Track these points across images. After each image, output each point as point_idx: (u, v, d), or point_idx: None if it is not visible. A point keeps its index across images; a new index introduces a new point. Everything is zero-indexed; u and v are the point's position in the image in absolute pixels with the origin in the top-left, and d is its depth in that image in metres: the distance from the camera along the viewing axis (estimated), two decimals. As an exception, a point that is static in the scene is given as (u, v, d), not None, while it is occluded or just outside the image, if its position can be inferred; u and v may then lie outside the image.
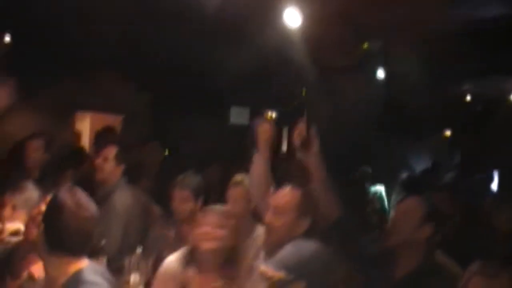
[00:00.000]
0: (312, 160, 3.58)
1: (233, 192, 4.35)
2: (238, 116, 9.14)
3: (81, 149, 6.71)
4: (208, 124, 8.26)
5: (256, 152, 3.90)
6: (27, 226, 2.98)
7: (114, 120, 8.30)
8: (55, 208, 2.55)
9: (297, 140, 3.61)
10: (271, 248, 3.35)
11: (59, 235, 2.53)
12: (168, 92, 8.30)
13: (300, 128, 3.62)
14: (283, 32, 5.34)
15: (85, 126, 8.50)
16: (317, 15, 5.12)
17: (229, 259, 3.47)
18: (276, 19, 5.23)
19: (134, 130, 7.80)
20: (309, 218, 3.48)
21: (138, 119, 8.41)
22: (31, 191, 3.66)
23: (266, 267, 2.54)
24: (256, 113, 9.34)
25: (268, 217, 3.52)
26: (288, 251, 2.59)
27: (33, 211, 2.95)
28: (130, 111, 8.46)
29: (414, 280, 3.28)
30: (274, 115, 8.70)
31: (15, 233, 3.22)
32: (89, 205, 2.62)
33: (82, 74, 7.79)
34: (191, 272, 3.46)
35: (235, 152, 6.67)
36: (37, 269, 2.97)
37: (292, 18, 5.16)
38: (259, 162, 3.86)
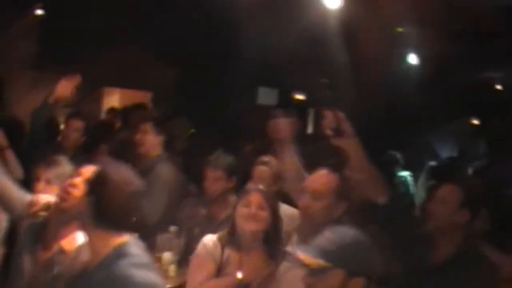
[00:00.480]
0: (349, 144, 3.53)
1: (259, 171, 4.34)
2: (265, 96, 9.10)
3: (112, 124, 6.70)
4: (235, 103, 8.24)
5: (278, 148, 3.92)
6: (60, 197, 2.96)
7: (142, 96, 8.32)
8: (103, 182, 2.53)
9: (327, 128, 3.56)
10: (307, 233, 3.34)
11: (106, 210, 2.52)
12: (196, 69, 8.26)
13: (329, 116, 3.56)
14: (319, 13, 5.28)
15: (114, 102, 8.52)
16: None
17: (269, 239, 3.46)
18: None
19: (162, 106, 7.80)
20: (345, 202, 3.47)
21: (166, 96, 8.40)
22: (64, 166, 3.63)
23: (304, 254, 2.49)
24: (284, 94, 9.33)
25: (304, 201, 3.50)
26: (327, 237, 2.54)
27: (67, 182, 2.93)
28: (158, 87, 8.46)
29: (452, 265, 3.27)
30: (301, 97, 8.68)
31: (46, 207, 3.21)
32: (135, 180, 2.62)
33: (111, 50, 7.81)
34: (230, 252, 3.45)
35: (261, 132, 6.64)
36: (68, 242, 2.97)
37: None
38: (286, 157, 3.87)
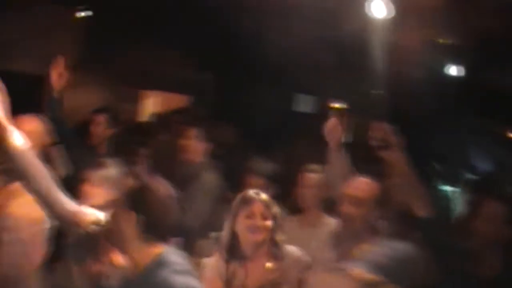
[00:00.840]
0: (395, 157, 3.54)
1: (308, 179, 4.33)
2: (302, 103, 9.10)
3: (151, 127, 6.72)
4: (271, 109, 8.23)
5: (330, 149, 3.93)
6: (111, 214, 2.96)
7: (180, 100, 8.35)
8: (147, 195, 2.60)
9: (374, 140, 3.57)
10: (345, 238, 3.35)
11: (152, 221, 2.57)
12: (234, 74, 8.27)
13: (377, 128, 3.57)
14: (365, 22, 5.25)
15: (152, 105, 8.56)
16: (404, 8, 5.02)
17: (271, 243, 3.43)
18: (360, 8, 5.15)
19: (202, 111, 7.82)
20: (384, 211, 3.48)
21: (205, 101, 8.43)
22: (111, 169, 3.67)
23: (359, 269, 2.50)
24: (321, 102, 9.29)
25: (346, 207, 3.50)
26: (380, 252, 2.55)
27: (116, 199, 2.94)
28: (196, 92, 8.48)
29: (500, 281, 3.25)
30: (340, 106, 8.61)
31: (96, 222, 3.22)
32: (173, 192, 2.69)
33: (150, 53, 7.85)
34: (235, 265, 3.42)
35: (298, 139, 6.63)
36: (119, 255, 2.99)
37: (377, 8, 5.08)
38: (337, 159, 3.88)
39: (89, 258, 3.07)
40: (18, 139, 2.77)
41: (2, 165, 3.45)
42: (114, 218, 2.64)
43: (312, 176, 4.30)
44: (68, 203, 2.94)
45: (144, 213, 2.56)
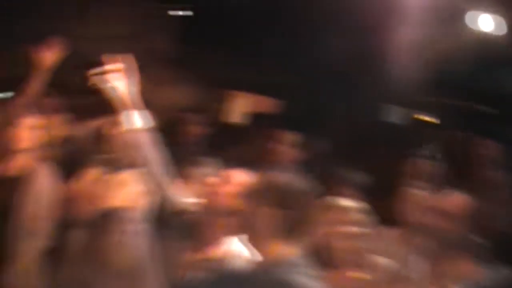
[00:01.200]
0: (494, 175, 3.48)
1: (411, 195, 4.24)
2: (390, 113, 8.96)
3: (242, 129, 6.78)
4: (361, 117, 8.15)
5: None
6: (210, 201, 3.00)
7: (270, 104, 8.37)
8: (282, 193, 2.53)
9: (477, 157, 3.52)
10: (438, 255, 3.29)
11: (278, 220, 2.53)
12: (323, 79, 8.22)
13: (482, 145, 3.51)
14: (467, 36, 5.13)
15: (242, 107, 8.60)
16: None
17: (353, 251, 3.37)
18: (463, 22, 5.04)
19: (291, 116, 7.82)
20: (477, 230, 3.40)
21: (294, 105, 8.41)
22: (207, 167, 3.73)
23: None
24: (410, 114, 9.15)
25: (429, 219, 3.45)
26: (484, 275, 2.49)
27: (217, 187, 2.97)
28: (286, 96, 8.48)
29: None
30: (428, 119, 8.50)
31: (193, 211, 3.27)
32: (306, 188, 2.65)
33: (242, 55, 7.91)
34: (327, 275, 3.37)
35: (388, 150, 6.52)
36: (215, 248, 3.02)
37: (485, 23, 4.96)
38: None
39: (189, 246, 3.12)
40: (139, 120, 2.83)
41: (105, 155, 3.58)
42: (247, 211, 2.60)
43: (415, 192, 4.23)
44: (174, 189, 3.00)
45: (279, 209, 2.51)
